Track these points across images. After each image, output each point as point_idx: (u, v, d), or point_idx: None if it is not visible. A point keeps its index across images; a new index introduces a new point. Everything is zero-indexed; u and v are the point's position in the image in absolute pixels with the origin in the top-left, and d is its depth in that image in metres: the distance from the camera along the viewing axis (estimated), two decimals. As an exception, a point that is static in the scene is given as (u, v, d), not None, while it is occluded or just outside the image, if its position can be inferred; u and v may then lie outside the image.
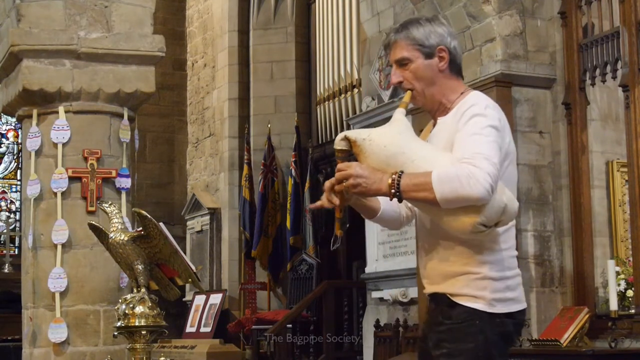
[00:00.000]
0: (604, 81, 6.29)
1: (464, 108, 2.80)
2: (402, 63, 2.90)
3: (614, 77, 6.19)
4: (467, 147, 2.67)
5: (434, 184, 2.61)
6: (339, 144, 2.80)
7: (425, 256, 2.94)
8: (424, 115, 7.61)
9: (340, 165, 2.77)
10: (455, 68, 2.95)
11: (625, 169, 6.20)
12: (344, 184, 2.74)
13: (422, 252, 2.97)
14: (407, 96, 2.91)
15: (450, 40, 2.92)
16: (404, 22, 2.99)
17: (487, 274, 2.80)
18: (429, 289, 2.94)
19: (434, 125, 2.97)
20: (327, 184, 2.83)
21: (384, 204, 2.98)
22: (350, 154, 2.81)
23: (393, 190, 2.67)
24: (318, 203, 2.89)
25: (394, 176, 2.67)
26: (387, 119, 9.19)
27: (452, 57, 2.92)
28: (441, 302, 2.87)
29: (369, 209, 2.99)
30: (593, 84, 6.39)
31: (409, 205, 3.02)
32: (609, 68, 6.20)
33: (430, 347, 2.91)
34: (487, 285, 2.80)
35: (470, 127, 2.72)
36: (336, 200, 2.79)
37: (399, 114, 2.84)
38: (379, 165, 2.72)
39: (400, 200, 2.71)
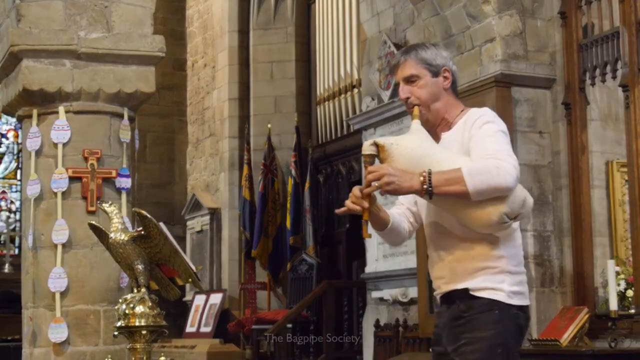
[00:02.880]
0: (603, 81, 6.29)
1: (473, 118, 3.10)
2: (411, 80, 3.17)
3: (614, 77, 6.19)
4: (487, 146, 2.96)
5: (465, 177, 2.87)
6: (368, 149, 3.01)
7: (440, 259, 3.14)
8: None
9: (371, 167, 2.98)
10: (454, 89, 3.23)
11: (625, 169, 6.20)
12: (378, 183, 2.92)
13: (434, 256, 3.17)
14: (416, 110, 3.15)
15: (451, 64, 3.23)
16: (411, 45, 3.32)
17: (505, 268, 3.05)
18: (446, 287, 3.12)
19: (437, 141, 3.18)
20: (355, 189, 3.03)
21: (393, 218, 3.21)
22: (376, 160, 3.03)
23: (425, 186, 2.91)
24: (344, 208, 3.06)
25: (424, 174, 2.91)
26: (388, 119, 9.13)
27: (453, 78, 3.22)
28: (460, 299, 3.07)
29: (381, 220, 3.18)
30: (593, 84, 6.39)
31: (411, 220, 3.29)
32: (608, 68, 6.20)
33: (447, 344, 3.09)
34: (505, 279, 3.04)
35: (484, 132, 3.02)
36: (365, 204, 2.99)
37: (417, 124, 3.10)
38: (407, 167, 2.96)
39: (431, 196, 2.93)
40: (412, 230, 3.31)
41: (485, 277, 3.03)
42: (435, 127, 3.19)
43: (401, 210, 3.29)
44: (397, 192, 2.96)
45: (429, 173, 2.91)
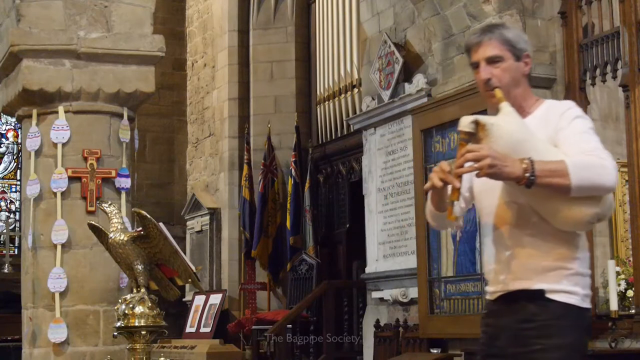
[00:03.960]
0: (604, 81, 6.29)
1: (558, 110, 2.94)
2: (494, 60, 2.98)
3: (614, 77, 6.19)
4: (583, 143, 2.82)
5: (570, 170, 2.72)
6: (467, 126, 2.81)
7: (508, 252, 2.94)
8: (424, 116, 7.60)
9: (472, 146, 2.77)
10: (529, 77, 3.07)
11: (625, 169, 6.19)
12: (478, 164, 2.72)
13: (502, 248, 2.96)
14: (498, 92, 2.94)
15: (530, 49, 3.06)
16: (492, 24, 3.11)
17: (578, 270, 2.91)
18: (511, 285, 2.93)
19: None
20: (444, 164, 2.83)
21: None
22: (471, 139, 2.83)
23: (528, 175, 2.72)
24: (428, 184, 2.88)
25: (526, 161, 2.74)
26: (388, 119, 9.12)
27: (532, 65, 3.06)
28: (529, 299, 2.89)
29: (444, 202, 3.00)
30: (593, 84, 6.39)
31: (462, 205, 3.10)
32: (609, 68, 6.19)
33: (510, 346, 2.91)
34: (579, 281, 2.91)
35: (577, 127, 2.88)
36: (457, 183, 2.79)
37: (509, 107, 2.89)
38: (505, 150, 2.76)
39: (530, 186, 2.74)
40: (461, 216, 3.13)
41: (559, 278, 2.87)
42: None
43: None
44: (496, 176, 2.75)
45: (532, 161, 2.73)
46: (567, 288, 2.88)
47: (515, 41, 3.00)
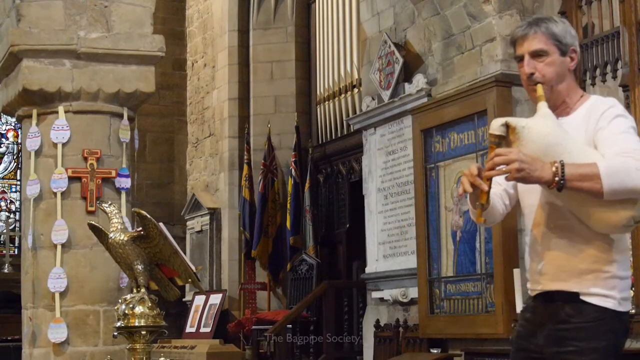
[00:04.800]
0: (604, 81, 6.29)
1: (601, 108, 2.89)
2: (539, 54, 2.94)
3: (614, 77, 6.19)
4: (621, 143, 2.77)
5: (602, 174, 2.69)
6: (498, 129, 2.80)
7: (548, 252, 2.94)
8: (424, 116, 7.59)
9: (500, 150, 2.76)
10: (576, 72, 3.05)
11: (626, 169, 6.19)
12: (507, 168, 2.72)
13: (542, 248, 2.97)
14: (539, 89, 2.92)
15: (577, 44, 3.01)
16: (539, 17, 3.05)
17: (616, 273, 2.88)
18: (549, 285, 2.94)
19: None
20: (473, 168, 2.82)
21: (492, 199, 2.98)
22: (502, 142, 2.82)
23: (557, 179, 2.71)
24: (460, 189, 2.86)
25: (556, 165, 2.72)
26: (388, 119, 9.11)
27: (578, 60, 3.02)
28: (565, 300, 2.90)
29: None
30: (593, 84, 6.38)
31: (506, 202, 3.09)
32: (609, 68, 6.19)
33: (545, 345, 2.93)
34: (616, 285, 2.88)
35: (616, 126, 2.83)
36: (486, 187, 2.80)
37: (546, 107, 2.87)
38: (536, 154, 2.75)
39: (561, 189, 2.73)
40: (504, 213, 3.12)
41: (595, 281, 2.87)
42: (555, 110, 2.93)
43: (498, 191, 3.07)
44: (525, 180, 2.75)
45: (562, 165, 2.70)
46: (603, 291, 2.87)
47: (562, 35, 2.95)
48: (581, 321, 2.86)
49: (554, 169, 2.71)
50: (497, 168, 2.75)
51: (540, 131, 2.78)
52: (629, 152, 2.74)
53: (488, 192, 2.82)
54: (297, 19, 11.78)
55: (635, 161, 2.71)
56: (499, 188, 3.08)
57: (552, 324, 2.92)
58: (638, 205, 2.77)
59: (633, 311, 3.08)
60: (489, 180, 2.79)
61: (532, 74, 2.94)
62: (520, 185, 3.04)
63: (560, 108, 2.97)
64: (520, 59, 2.99)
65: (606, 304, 2.86)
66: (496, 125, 2.80)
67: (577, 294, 2.88)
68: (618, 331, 2.90)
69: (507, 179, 2.77)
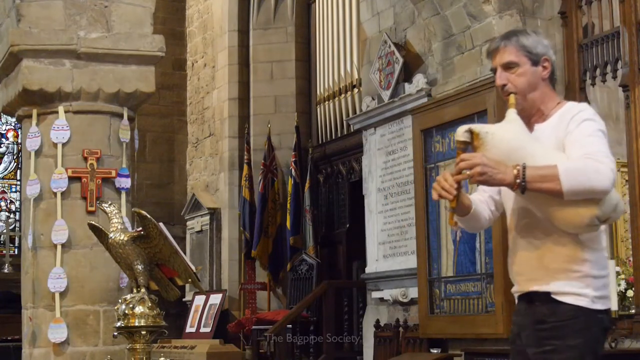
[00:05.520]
0: (604, 81, 6.29)
1: (571, 113, 3.00)
2: (510, 66, 3.08)
3: (614, 77, 6.19)
4: (587, 146, 2.88)
5: (561, 175, 2.80)
6: (462, 136, 2.94)
7: (522, 254, 3.06)
8: (424, 116, 7.59)
9: (464, 155, 2.90)
10: (552, 80, 3.14)
11: (625, 169, 6.19)
12: (470, 172, 2.86)
13: (517, 250, 3.09)
14: (512, 98, 3.05)
15: (552, 53, 3.14)
16: (511, 31, 3.22)
17: (589, 272, 2.96)
18: (525, 286, 3.05)
19: (530, 132, 3.11)
20: (446, 174, 2.96)
21: (475, 205, 3.15)
22: (469, 147, 2.95)
23: (519, 181, 2.84)
24: (434, 195, 3.00)
25: (518, 167, 2.85)
26: (388, 119, 9.11)
27: (552, 68, 3.13)
28: (541, 301, 2.99)
29: (464, 206, 3.11)
30: (593, 84, 6.39)
31: (492, 208, 3.22)
32: (609, 68, 6.19)
33: (527, 346, 3.03)
34: (590, 283, 2.96)
35: (584, 129, 2.94)
36: (454, 191, 2.92)
37: (514, 114, 3.01)
38: (500, 158, 2.89)
39: (523, 191, 2.86)
40: (492, 219, 3.24)
41: (567, 281, 2.96)
42: (530, 118, 3.09)
43: (483, 197, 3.21)
44: (488, 183, 2.91)
45: (524, 167, 2.84)
46: (576, 290, 2.95)
47: (533, 46, 3.07)
48: (556, 320, 2.95)
49: (515, 171, 2.84)
50: (463, 172, 2.89)
51: (503, 136, 2.92)
52: (591, 153, 2.84)
53: (457, 197, 2.95)
54: (297, 19, 11.78)
55: (596, 162, 2.81)
56: (485, 195, 3.22)
57: (532, 325, 3.02)
58: (601, 204, 2.86)
59: (616, 308, 3.12)
60: (458, 184, 2.92)
61: (505, 85, 3.08)
62: (503, 191, 3.16)
63: (536, 115, 3.10)
64: (494, 71, 3.13)
65: (579, 303, 2.94)
66: (461, 132, 2.94)
67: (550, 294, 2.97)
68: (593, 328, 2.96)
69: (470, 182, 2.91)
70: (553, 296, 2.96)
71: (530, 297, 3.04)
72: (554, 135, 2.99)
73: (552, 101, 3.10)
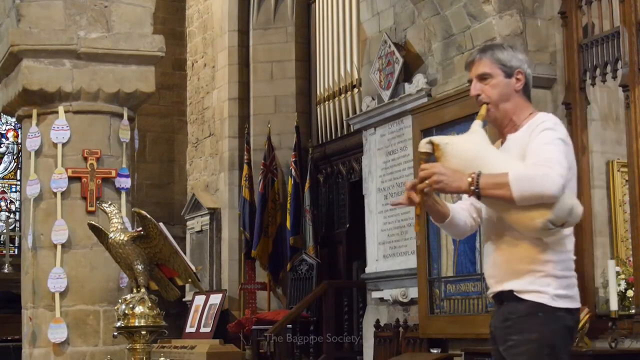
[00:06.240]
0: (604, 81, 6.29)
1: (535, 123, 3.13)
2: (483, 77, 3.23)
3: (614, 77, 6.18)
4: (540, 154, 3.01)
5: (511, 182, 2.94)
6: (424, 147, 3.10)
7: (492, 256, 3.21)
8: (424, 116, 7.59)
9: (423, 165, 3.07)
10: (527, 92, 3.27)
11: (626, 169, 6.19)
12: (428, 181, 3.03)
13: (489, 253, 3.24)
14: (483, 109, 3.22)
15: (527, 67, 3.27)
16: (489, 44, 3.45)
17: (551, 272, 3.09)
18: (495, 287, 3.20)
19: (502, 143, 3.28)
20: (408, 183, 3.13)
21: (453, 212, 3.30)
22: (432, 157, 3.12)
23: (473, 188, 3.00)
24: (399, 199, 3.17)
25: (473, 175, 3.00)
26: (388, 119, 9.12)
27: (526, 81, 3.26)
28: (507, 300, 3.14)
29: (440, 214, 3.28)
30: (593, 84, 6.38)
31: (474, 215, 3.35)
32: (609, 68, 6.19)
33: (499, 344, 3.17)
34: (551, 283, 3.08)
35: (542, 138, 3.06)
36: (417, 198, 3.08)
37: (477, 125, 3.17)
38: (459, 167, 3.05)
39: (478, 197, 3.03)
40: (475, 225, 3.37)
41: (530, 279, 3.08)
42: (503, 128, 3.25)
43: (465, 205, 3.35)
44: (444, 190, 3.06)
45: (478, 175, 2.99)
46: (537, 288, 3.07)
47: (507, 60, 3.22)
48: (517, 316, 3.09)
49: (469, 179, 3.00)
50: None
51: (461, 147, 3.10)
52: (543, 160, 2.97)
53: (420, 204, 3.09)
54: (297, 19, 11.78)
55: (546, 168, 2.93)
56: (466, 202, 3.35)
57: (500, 323, 3.17)
58: (554, 209, 2.96)
59: (579, 306, 3.19)
60: (422, 191, 3.07)
61: (479, 95, 3.24)
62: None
63: (508, 126, 3.23)
64: (471, 82, 3.29)
65: (540, 299, 3.06)
66: (423, 144, 3.12)
67: (514, 292, 3.10)
68: (553, 325, 3.06)
69: (428, 190, 3.06)
70: (516, 294, 3.09)
71: (500, 298, 3.18)
72: (519, 145, 3.12)
73: (525, 112, 3.22)
